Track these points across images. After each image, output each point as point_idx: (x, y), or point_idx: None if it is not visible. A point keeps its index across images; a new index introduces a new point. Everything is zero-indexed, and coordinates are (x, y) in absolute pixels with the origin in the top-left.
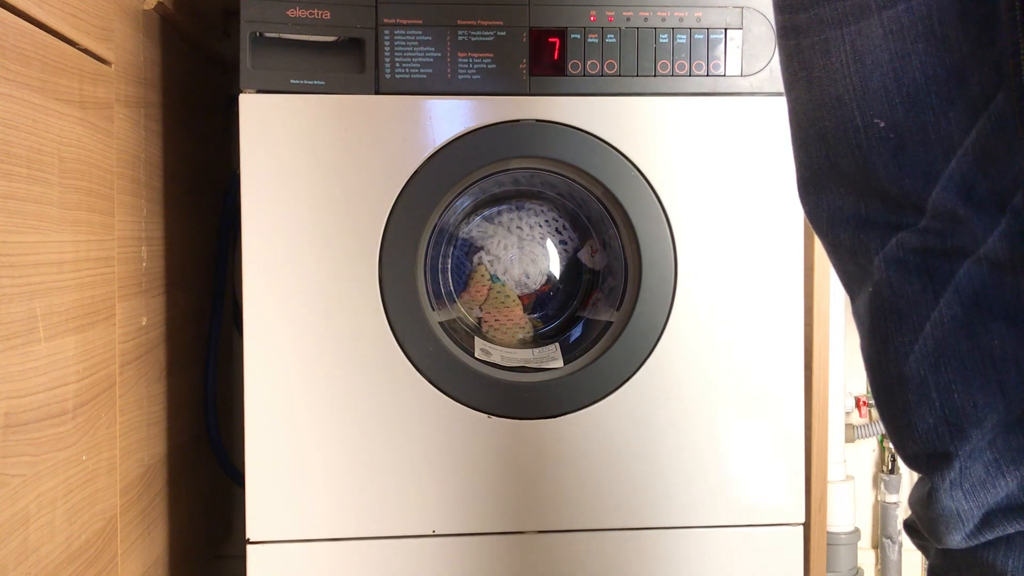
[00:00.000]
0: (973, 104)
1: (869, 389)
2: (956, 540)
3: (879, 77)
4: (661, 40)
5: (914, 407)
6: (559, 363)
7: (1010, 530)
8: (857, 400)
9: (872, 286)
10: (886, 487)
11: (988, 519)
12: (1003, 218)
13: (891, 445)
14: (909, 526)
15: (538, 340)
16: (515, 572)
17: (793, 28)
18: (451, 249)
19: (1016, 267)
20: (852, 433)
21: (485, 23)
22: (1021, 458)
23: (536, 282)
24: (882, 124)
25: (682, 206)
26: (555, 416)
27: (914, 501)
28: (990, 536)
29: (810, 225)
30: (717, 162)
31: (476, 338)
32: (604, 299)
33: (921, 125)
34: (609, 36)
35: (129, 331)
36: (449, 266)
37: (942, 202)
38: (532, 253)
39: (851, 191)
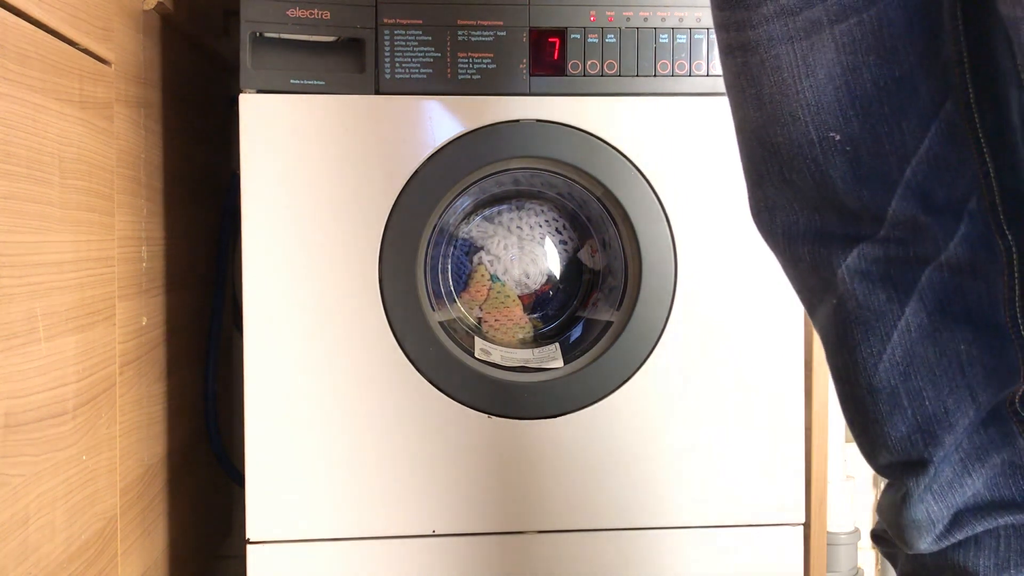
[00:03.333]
0: (924, 113)
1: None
2: (927, 543)
3: (833, 91)
4: (661, 40)
5: (886, 417)
6: (559, 363)
7: (979, 529)
8: None
9: (836, 299)
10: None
11: (957, 519)
12: (961, 224)
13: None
14: (877, 535)
15: (538, 340)
16: (515, 572)
17: (740, 46)
18: (451, 249)
19: (976, 271)
20: None
21: (485, 23)
22: (985, 456)
23: (536, 282)
24: (837, 137)
25: (682, 206)
26: (555, 416)
27: (885, 508)
28: (960, 536)
29: (766, 243)
30: (717, 162)
31: (476, 338)
32: (604, 299)
33: (876, 136)
34: (609, 36)
35: (129, 331)
36: (449, 266)
37: (902, 211)
38: (532, 253)
39: (806, 206)
